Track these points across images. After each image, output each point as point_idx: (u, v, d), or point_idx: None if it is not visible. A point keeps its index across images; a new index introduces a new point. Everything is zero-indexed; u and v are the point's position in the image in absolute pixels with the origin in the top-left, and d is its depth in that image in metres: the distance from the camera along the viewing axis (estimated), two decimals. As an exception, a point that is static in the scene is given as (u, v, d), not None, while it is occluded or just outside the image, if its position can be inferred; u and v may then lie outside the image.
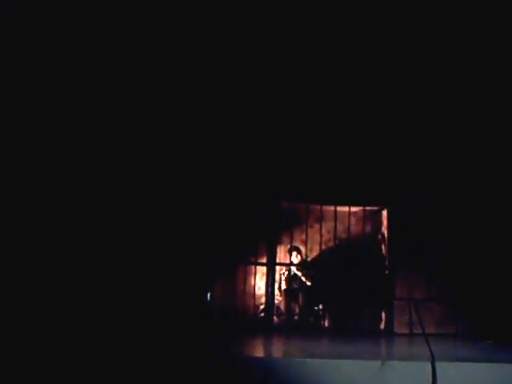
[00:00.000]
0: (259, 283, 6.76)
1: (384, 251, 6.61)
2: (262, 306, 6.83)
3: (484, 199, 5.66)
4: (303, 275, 6.93)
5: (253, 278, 6.65)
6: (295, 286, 6.97)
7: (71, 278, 4.21)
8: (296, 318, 6.93)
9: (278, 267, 6.60)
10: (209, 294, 6.00)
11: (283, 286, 7.04)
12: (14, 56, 3.76)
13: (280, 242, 6.86)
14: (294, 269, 7.06)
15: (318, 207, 6.65)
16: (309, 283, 6.86)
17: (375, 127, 5.65)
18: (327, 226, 6.90)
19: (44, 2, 3.92)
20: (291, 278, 7.00)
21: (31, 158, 3.95)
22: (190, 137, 5.43)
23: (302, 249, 7.02)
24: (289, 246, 6.88)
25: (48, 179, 4.08)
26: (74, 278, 4.23)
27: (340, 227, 6.81)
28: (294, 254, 6.97)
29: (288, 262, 6.96)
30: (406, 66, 3.44)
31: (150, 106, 5.02)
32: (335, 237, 6.83)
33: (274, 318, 6.57)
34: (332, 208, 6.61)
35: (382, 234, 6.69)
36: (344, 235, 6.93)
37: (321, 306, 6.85)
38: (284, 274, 6.89)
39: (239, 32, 5.06)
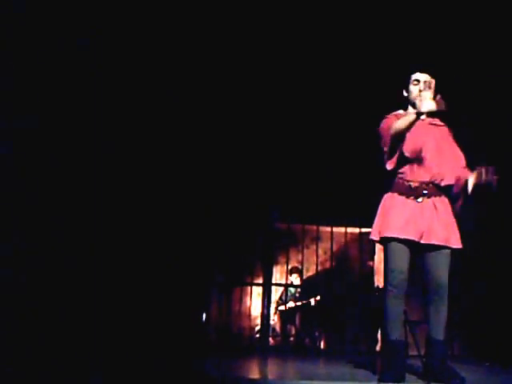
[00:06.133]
0: (255, 304, 6.74)
1: (378, 273, 6.61)
2: (257, 327, 6.80)
3: (479, 221, 5.67)
4: (300, 296, 6.93)
5: (249, 298, 6.64)
6: (292, 307, 6.96)
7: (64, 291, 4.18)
8: (292, 339, 6.90)
9: (273, 288, 6.59)
10: (204, 315, 5.98)
11: (280, 308, 7.02)
12: (13, 55, 3.77)
13: (276, 263, 6.86)
14: (291, 290, 7.06)
15: (315, 228, 6.67)
16: (308, 302, 6.85)
17: (374, 149, 5.68)
18: (323, 246, 6.91)
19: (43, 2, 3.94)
20: (288, 299, 7.00)
21: (33, 158, 3.95)
22: (186, 157, 5.44)
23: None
24: (290, 267, 6.87)
25: (48, 178, 4.08)
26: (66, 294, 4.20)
27: (336, 248, 6.82)
28: (295, 275, 6.96)
29: (284, 282, 6.95)
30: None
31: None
32: (331, 258, 6.84)
33: (270, 339, 6.55)
34: (328, 229, 6.63)
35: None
36: (340, 256, 6.94)
37: (317, 328, 6.83)
38: (283, 298, 6.89)
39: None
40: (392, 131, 3.19)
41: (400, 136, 3.16)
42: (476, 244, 5.15)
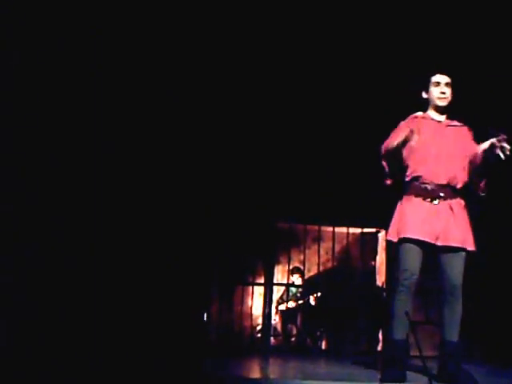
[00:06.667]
0: (256, 303, 6.74)
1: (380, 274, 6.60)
2: (259, 327, 6.80)
3: (481, 223, 5.64)
4: (302, 296, 6.92)
5: (250, 298, 6.63)
6: (293, 306, 6.96)
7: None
8: (293, 339, 6.90)
9: (275, 288, 6.58)
10: (205, 315, 5.97)
11: (282, 307, 7.02)
12: (13, 55, 3.77)
13: (278, 263, 6.85)
14: (292, 289, 7.06)
15: (316, 228, 6.66)
16: (307, 300, 6.85)
17: (373, 150, 5.67)
18: (325, 246, 6.90)
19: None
20: (289, 299, 7.00)
21: (33, 158, 3.95)
22: (186, 157, 5.44)
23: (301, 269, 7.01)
24: (291, 267, 6.87)
25: (48, 178, 4.07)
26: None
27: (338, 248, 6.81)
28: (297, 275, 6.96)
29: (286, 282, 6.95)
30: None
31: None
32: (333, 258, 6.84)
33: (271, 339, 6.54)
34: (330, 229, 6.62)
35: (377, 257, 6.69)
36: (342, 256, 6.93)
37: (318, 328, 6.83)
38: (284, 298, 6.89)
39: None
40: (383, 150, 3.26)
41: (390, 156, 3.23)
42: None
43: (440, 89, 3.28)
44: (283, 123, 5.70)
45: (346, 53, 5.15)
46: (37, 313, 3.76)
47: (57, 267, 4.00)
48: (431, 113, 3.35)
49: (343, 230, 6.60)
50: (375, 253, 6.87)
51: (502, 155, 2.99)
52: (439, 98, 3.28)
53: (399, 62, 4.88)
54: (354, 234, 6.79)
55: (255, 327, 6.95)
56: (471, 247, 3.17)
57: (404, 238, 3.15)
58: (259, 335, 6.71)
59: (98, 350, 3.87)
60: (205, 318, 5.91)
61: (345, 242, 6.72)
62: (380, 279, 6.60)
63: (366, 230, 6.69)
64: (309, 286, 7.00)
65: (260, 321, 6.62)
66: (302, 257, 6.83)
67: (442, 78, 3.30)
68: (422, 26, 4.86)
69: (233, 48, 5.07)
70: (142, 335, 4.62)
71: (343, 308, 6.38)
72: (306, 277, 7.13)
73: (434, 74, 3.33)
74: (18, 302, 3.66)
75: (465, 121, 3.41)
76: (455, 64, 3.68)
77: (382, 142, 3.37)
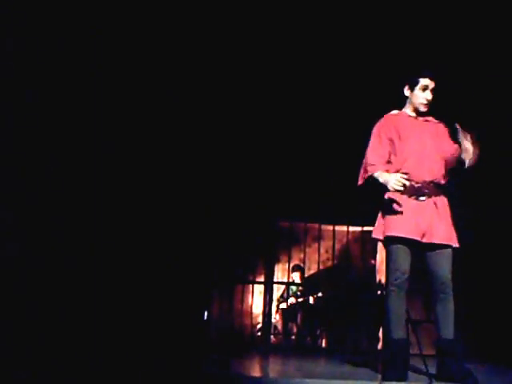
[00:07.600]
0: (257, 302, 6.75)
1: (380, 272, 6.60)
2: (259, 325, 6.81)
3: (481, 221, 5.65)
4: (302, 294, 6.93)
5: (250, 296, 6.64)
6: (293, 305, 6.97)
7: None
8: (293, 337, 6.91)
9: (275, 286, 6.59)
10: (206, 313, 5.98)
11: (283, 306, 7.03)
12: (13, 55, 3.77)
13: (278, 261, 6.86)
14: (293, 288, 7.06)
15: (316, 226, 6.67)
16: (307, 299, 6.86)
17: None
18: (325, 245, 6.90)
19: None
20: (289, 297, 7.01)
21: (33, 158, 3.95)
22: (186, 157, 5.44)
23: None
24: (292, 265, 6.88)
25: (48, 178, 4.07)
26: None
27: (338, 247, 6.82)
28: (297, 274, 6.96)
29: (286, 280, 6.96)
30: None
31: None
32: (333, 256, 6.85)
33: (271, 337, 6.55)
34: (330, 227, 6.63)
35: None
36: (342, 255, 6.94)
37: (318, 327, 6.84)
38: (284, 296, 6.90)
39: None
40: (363, 177, 3.33)
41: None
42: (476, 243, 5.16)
43: (426, 95, 3.27)
44: (283, 122, 5.70)
45: (345, 54, 5.15)
46: (37, 313, 3.76)
47: (57, 267, 4.00)
48: (408, 111, 3.36)
49: (343, 228, 6.61)
50: (375, 251, 6.86)
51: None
52: (423, 104, 3.29)
53: (399, 64, 4.87)
54: (354, 232, 6.79)
55: (255, 325, 6.96)
56: (455, 244, 3.19)
57: (391, 236, 3.15)
58: (259, 333, 6.72)
59: (98, 349, 3.87)
60: (205, 317, 5.92)
61: (345, 240, 6.73)
62: (380, 277, 6.60)
63: (366, 228, 6.69)
64: (309, 285, 7.01)
65: (260, 319, 6.64)
66: (302, 255, 6.84)
67: (430, 83, 3.28)
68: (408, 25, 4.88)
69: (232, 49, 5.07)
70: (142, 335, 4.62)
71: (343, 306, 6.39)
72: (306, 275, 7.13)
73: (423, 76, 3.29)
74: (18, 301, 3.66)
75: (436, 117, 3.43)
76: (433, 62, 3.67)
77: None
